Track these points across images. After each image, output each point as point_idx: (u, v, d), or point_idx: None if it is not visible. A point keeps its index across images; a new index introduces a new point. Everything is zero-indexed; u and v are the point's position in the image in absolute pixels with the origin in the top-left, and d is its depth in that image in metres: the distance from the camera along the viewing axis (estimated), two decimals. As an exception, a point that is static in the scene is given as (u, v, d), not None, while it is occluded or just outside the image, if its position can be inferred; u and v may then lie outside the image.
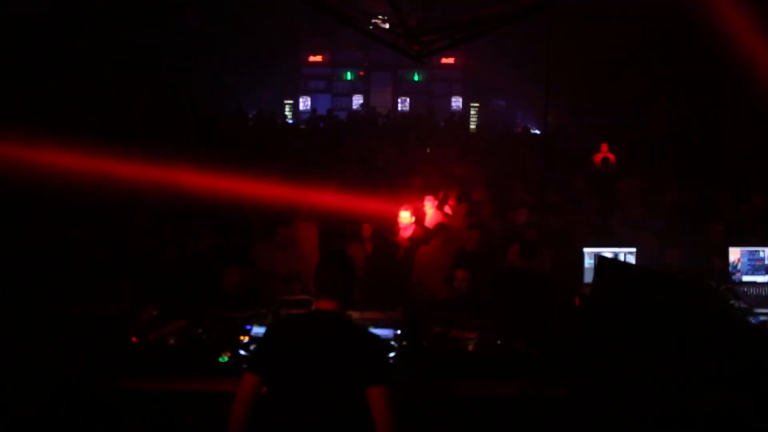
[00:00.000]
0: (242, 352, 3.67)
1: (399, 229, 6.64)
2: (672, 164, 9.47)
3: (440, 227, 6.39)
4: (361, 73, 20.51)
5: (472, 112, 19.27)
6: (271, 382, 2.64)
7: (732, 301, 4.64)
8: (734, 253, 5.07)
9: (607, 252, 5.05)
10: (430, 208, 7.28)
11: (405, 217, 6.58)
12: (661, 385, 2.62)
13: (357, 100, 20.42)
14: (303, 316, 2.97)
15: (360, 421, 2.51)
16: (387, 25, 5.95)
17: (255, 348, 2.83)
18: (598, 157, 10.30)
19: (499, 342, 3.91)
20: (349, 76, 20.80)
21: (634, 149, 10.97)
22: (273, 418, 2.58)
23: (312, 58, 20.54)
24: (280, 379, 2.61)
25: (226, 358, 3.64)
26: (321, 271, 2.70)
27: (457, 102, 20.62)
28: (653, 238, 6.22)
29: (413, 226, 6.63)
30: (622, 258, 5.05)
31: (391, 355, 3.70)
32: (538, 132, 15.65)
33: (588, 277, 4.97)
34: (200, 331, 3.97)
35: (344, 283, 2.69)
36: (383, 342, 2.69)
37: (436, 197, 7.54)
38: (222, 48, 14.55)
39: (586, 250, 5.08)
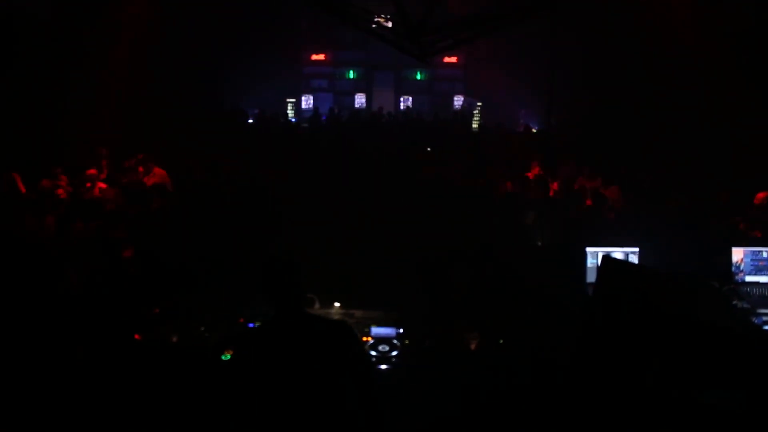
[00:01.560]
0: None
1: None
2: (676, 163, 9.44)
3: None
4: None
5: (474, 111, 19.23)
6: (258, 396, 2.62)
7: (735, 302, 4.63)
8: (737, 253, 5.04)
9: (611, 251, 5.02)
10: None
11: None
12: (662, 387, 2.61)
13: (359, 99, 20.41)
14: (273, 322, 2.80)
15: (344, 408, 2.62)
16: (390, 24, 5.95)
17: (234, 364, 2.81)
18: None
19: (501, 341, 3.91)
20: (351, 74, 20.79)
21: (637, 149, 10.93)
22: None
23: (314, 57, 20.51)
24: (268, 391, 2.60)
25: (229, 356, 3.65)
26: (276, 278, 2.70)
27: (459, 101, 20.60)
28: (657, 238, 6.19)
29: None
30: (621, 256, 5.03)
31: (394, 353, 3.72)
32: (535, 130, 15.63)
33: (591, 277, 4.96)
34: (203, 329, 3.98)
35: (298, 284, 2.74)
36: (351, 328, 2.80)
37: None
38: (224, 46, 14.55)
39: (588, 249, 5.07)
